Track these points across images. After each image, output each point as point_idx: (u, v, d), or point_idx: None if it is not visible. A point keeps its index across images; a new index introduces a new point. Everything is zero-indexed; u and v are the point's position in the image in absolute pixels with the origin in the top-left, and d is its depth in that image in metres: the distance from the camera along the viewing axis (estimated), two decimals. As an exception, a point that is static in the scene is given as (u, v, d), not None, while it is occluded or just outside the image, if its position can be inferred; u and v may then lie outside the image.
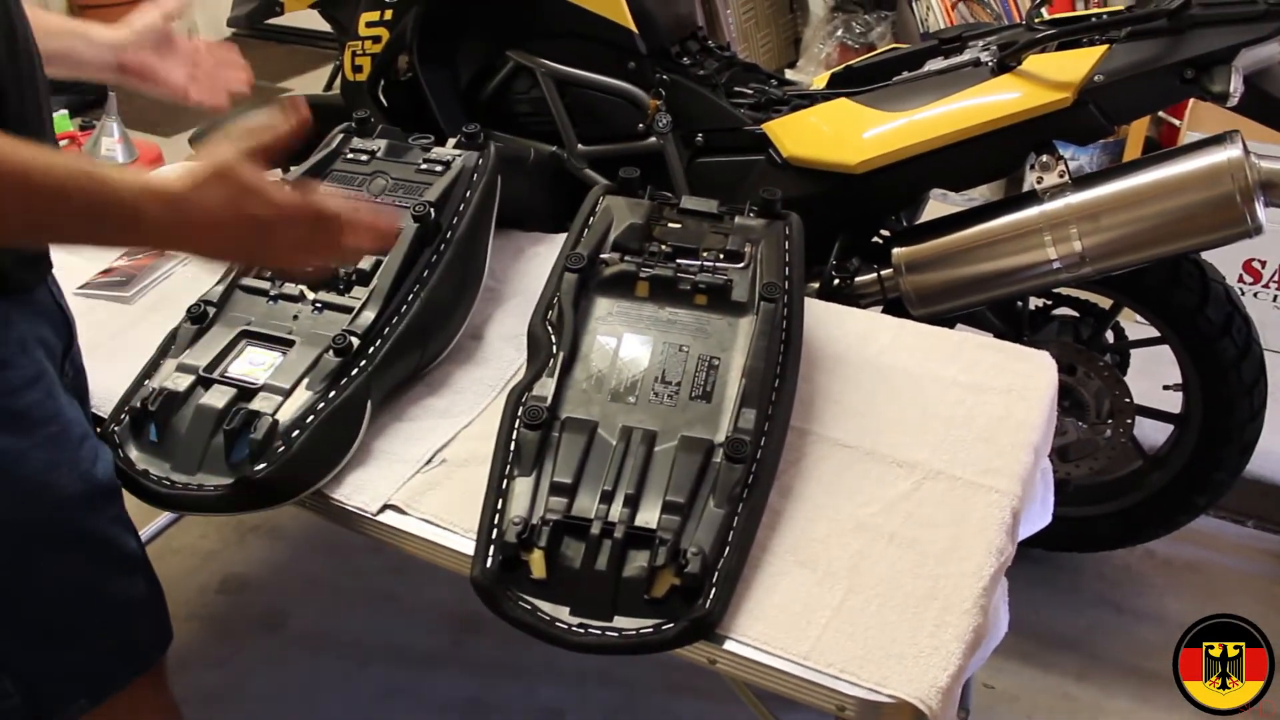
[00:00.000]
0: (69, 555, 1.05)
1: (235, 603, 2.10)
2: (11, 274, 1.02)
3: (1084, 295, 1.92)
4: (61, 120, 3.64)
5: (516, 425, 1.19)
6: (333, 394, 1.25)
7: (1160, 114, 3.10)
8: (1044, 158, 1.63)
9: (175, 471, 1.21)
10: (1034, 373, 1.40)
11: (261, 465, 1.19)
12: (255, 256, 1.04)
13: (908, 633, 1.04)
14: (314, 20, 2.14)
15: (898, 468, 1.25)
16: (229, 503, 1.19)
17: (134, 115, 3.65)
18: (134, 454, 1.23)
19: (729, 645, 1.04)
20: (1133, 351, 1.98)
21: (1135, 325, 2.04)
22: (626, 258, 1.34)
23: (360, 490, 1.23)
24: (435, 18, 1.90)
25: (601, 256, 1.34)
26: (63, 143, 3.44)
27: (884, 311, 1.73)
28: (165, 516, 2.13)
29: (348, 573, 2.11)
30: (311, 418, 1.23)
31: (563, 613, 1.06)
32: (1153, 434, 2.03)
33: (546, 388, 1.21)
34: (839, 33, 3.57)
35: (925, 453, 1.27)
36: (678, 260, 1.34)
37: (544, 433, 1.17)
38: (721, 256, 1.34)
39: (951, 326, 1.80)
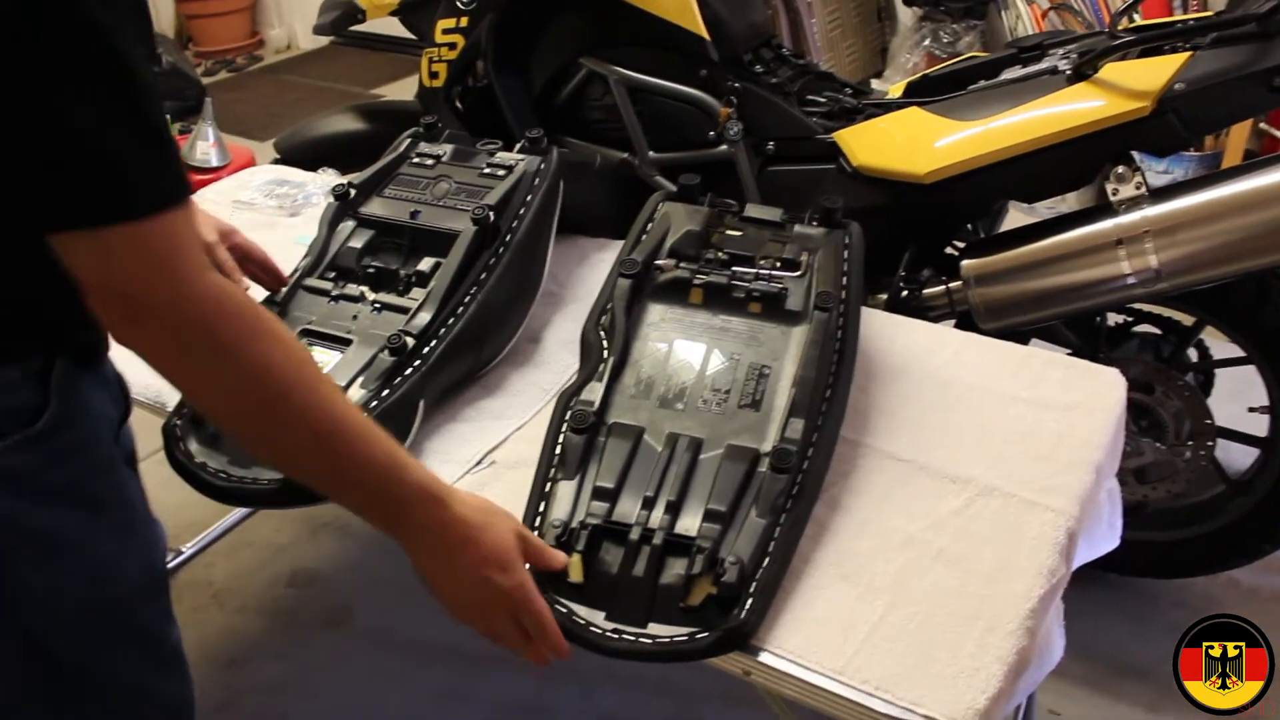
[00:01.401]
0: (124, 650, 1.03)
1: (303, 597, 2.14)
2: (99, 344, 1.00)
3: (1165, 312, 1.86)
4: (161, 125, 3.76)
5: (563, 429, 1.19)
6: (386, 393, 1.27)
7: (1261, 125, 2.99)
8: (1120, 169, 1.58)
9: (232, 465, 1.24)
10: (1101, 390, 1.36)
11: (313, 461, 1.20)
12: (456, 602, 1.01)
13: (948, 653, 1.01)
14: (398, 25, 2.18)
15: (951, 483, 1.21)
16: (282, 496, 1.21)
17: (229, 120, 3.76)
18: (194, 447, 1.26)
19: (764, 657, 1.02)
20: (1221, 372, 1.91)
21: (1223, 344, 1.97)
22: (682, 264, 1.33)
23: (410, 489, 1.24)
24: (510, 25, 1.92)
25: (657, 263, 1.34)
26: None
27: (955, 325, 1.70)
28: (240, 510, 2.19)
29: (413, 571, 2.13)
30: (364, 414, 1.24)
31: (598, 617, 1.05)
32: (1238, 458, 1.95)
33: (595, 392, 1.21)
34: (926, 42, 3.51)
35: (980, 468, 1.23)
36: (734, 268, 1.32)
37: (590, 437, 1.17)
38: (778, 265, 1.32)
39: (1025, 342, 1.76)
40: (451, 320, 1.35)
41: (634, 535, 1.08)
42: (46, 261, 0.79)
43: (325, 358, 1.33)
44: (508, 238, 1.44)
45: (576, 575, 1.07)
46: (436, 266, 1.40)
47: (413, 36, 2.24)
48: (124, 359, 1.10)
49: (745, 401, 1.20)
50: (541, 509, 1.13)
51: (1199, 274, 1.54)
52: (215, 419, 0.90)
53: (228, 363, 0.85)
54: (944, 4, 3.43)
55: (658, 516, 1.09)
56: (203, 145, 3.31)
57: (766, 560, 1.07)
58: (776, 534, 1.09)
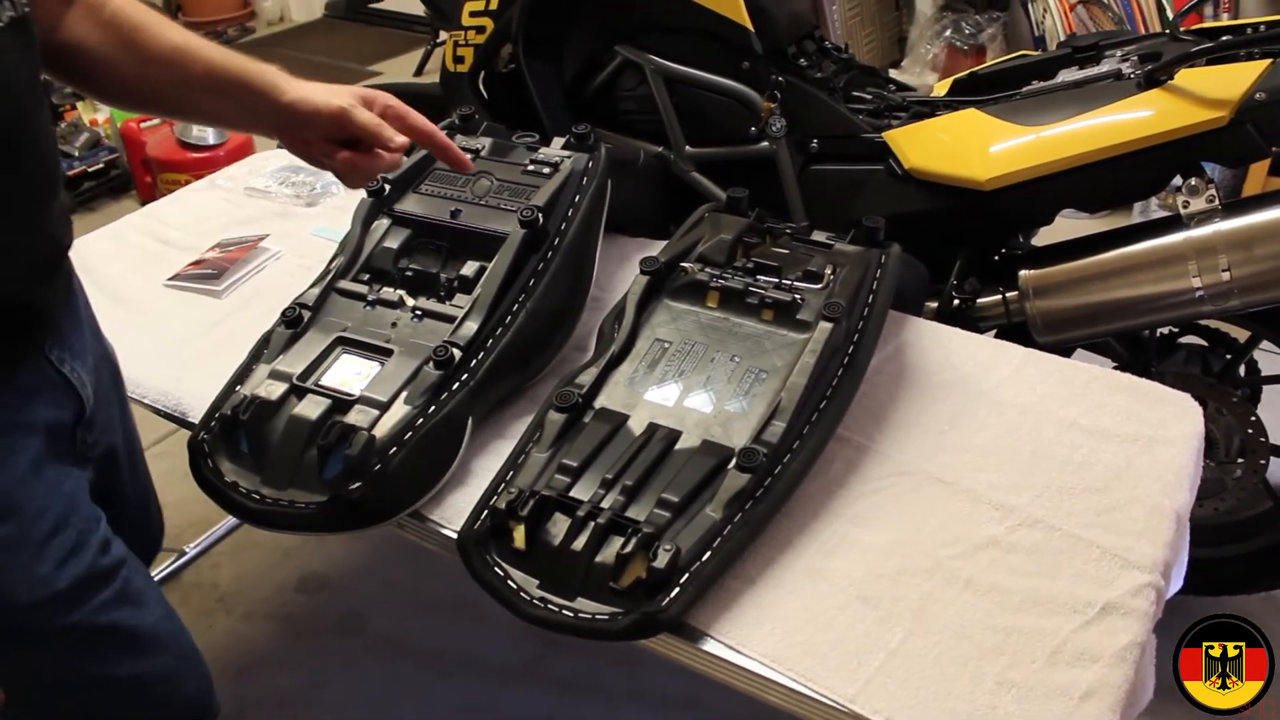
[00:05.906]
0: (50, 653, 0.99)
1: (313, 602, 2.06)
2: None
3: (1213, 323, 1.79)
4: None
5: (548, 408, 1.20)
6: (433, 409, 1.19)
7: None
8: (1192, 180, 1.50)
9: (265, 485, 1.16)
10: (1169, 421, 1.28)
11: (357, 484, 1.13)
12: None
13: (966, 688, 0.96)
14: (406, 3, 2.08)
15: (993, 510, 1.15)
16: (321, 522, 1.13)
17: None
18: (225, 465, 1.18)
19: (778, 678, 0.99)
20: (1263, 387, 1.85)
21: (1268, 356, 1.91)
22: (707, 269, 1.33)
23: (461, 514, 1.16)
24: (542, 9, 1.83)
25: (682, 265, 1.34)
26: (154, 120, 3.44)
27: (999, 335, 1.63)
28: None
29: (429, 578, 2.05)
30: (410, 434, 1.17)
31: (531, 585, 1.06)
32: (1281, 474, 1.90)
33: (588, 377, 1.22)
34: (947, 33, 3.43)
35: (1026, 497, 1.17)
36: (758, 276, 1.32)
37: (572, 417, 1.18)
38: (801, 277, 1.31)
39: (1070, 354, 1.69)
40: (500, 331, 1.28)
41: (581, 512, 1.07)
42: None
43: (364, 368, 1.25)
44: (556, 241, 1.36)
45: (520, 542, 1.08)
46: (480, 271, 1.32)
47: (420, 15, 2.15)
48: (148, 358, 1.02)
49: (735, 402, 1.19)
50: (509, 476, 1.14)
51: (1274, 292, 1.48)
52: None
53: None
54: (966, -6, 3.36)
55: (611, 498, 1.09)
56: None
57: (708, 554, 1.04)
58: (726, 531, 1.06)
